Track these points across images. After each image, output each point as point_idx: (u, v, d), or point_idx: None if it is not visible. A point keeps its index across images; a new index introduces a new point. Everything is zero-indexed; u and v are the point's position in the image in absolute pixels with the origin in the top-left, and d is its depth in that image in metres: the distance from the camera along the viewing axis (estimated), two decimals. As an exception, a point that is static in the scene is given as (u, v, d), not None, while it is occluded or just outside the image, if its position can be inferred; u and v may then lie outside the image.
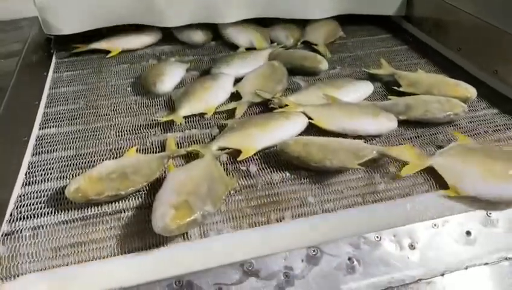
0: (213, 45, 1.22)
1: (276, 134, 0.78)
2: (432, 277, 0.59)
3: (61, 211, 0.67)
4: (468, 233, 0.64)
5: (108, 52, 1.14)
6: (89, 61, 1.13)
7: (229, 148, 0.77)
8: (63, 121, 0.88)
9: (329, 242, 0.61)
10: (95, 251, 0.62)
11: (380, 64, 1.04)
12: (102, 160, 0.78)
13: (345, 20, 1.34)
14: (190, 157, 0.78)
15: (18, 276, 0.58)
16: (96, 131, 0.85)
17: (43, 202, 0.69)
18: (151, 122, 0.88)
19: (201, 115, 0.88)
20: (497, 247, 0.63)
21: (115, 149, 0.81)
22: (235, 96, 0.94)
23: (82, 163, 0.77)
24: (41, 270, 0.59)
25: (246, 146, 0.75)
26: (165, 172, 0.73)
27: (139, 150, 0.80)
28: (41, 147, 0.81)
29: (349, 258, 0.60)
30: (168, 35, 1.23)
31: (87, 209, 0.68)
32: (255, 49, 1.15)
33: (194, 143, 0.82)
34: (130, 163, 0.71)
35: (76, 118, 0.89)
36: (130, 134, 0.85)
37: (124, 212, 0.67)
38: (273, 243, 0.62)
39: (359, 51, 1.17)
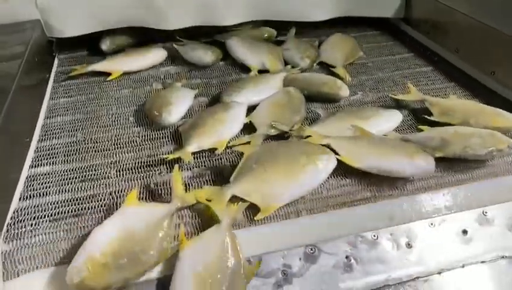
0: (222, 65, 1.13)
1: (304, 186, 0.68)
2: (428, 275, 0.60)
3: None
4: (465, 232, 0.65)
5: (108, 74, 1.05)
6: (88, 85, 1.04)
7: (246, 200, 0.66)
8: (58, 157, 0.79)
9: (327, 241, 0.62)
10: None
11: (408, 89, 0.95)
12: (102, 205, 0.69)
13: (362, 37, 1.27)
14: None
15: (19, 274, 0.58)
16: (95, 170, 0.76)
17: (33, 257, 0.60)
18: (156, 158, 0.79)
19: (212, 150, 0.79)
20: (493, 245, 0.63)
21: (115, 192, 0.71)
22: (249, 128, 0.85)
23: (78, 209, 0.68)
24: (42, 268, 0.59)
25: (266, 204, 0.65)
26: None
27: (142, 193, 0.71)
28: (32, 190, 0.72)
29: (347, 257, 0.61)
30: (173, 54, 1.15)
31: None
32: (267, 71, 1.06)
33: (204, 184, 0.73)
34: (137, 233, 0.58)
35: (72, 154, 0.80)
36: (132, 173, 0.76)
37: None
38: (271, 241, 0.62)
39: (380, 73, 1.08)
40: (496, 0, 0.95)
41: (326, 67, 1.09)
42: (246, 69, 1.09)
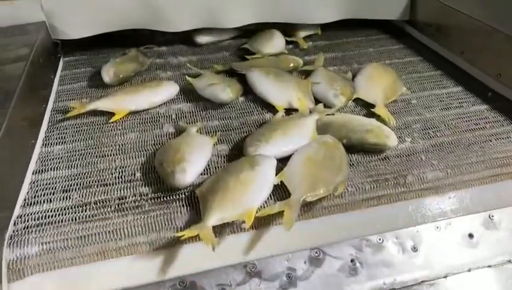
0: (241, 102, 0.97)
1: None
2: (434, 279, 0.59)
3: None
4: (471, 235, 0.64)
5: (112, 114, 0.90)
6: (88, 127, 0.89)
7: None
8: (46, 231, 0.63)
9: (332, 244, 0.61)
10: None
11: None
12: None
13: (401, 64, 1.12)
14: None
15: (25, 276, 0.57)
16: (92, 255, 0.61)
17: None
18: (168, 234, 0.64)
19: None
20: (500, 249, 0.63)
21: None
22: (278, 189, 0.70)
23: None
24: (47, 270, 0.58)
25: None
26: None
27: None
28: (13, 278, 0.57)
29: (352, 260, 0.60)
30: (186, 88, 1.01)
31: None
32: (295, 110, 0.91)
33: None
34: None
35: (65, 225, 0.65)
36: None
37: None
38: (276, 244, 0.62)
39: (428, 113, 0.92)
40: (501, 2, 0.94)
41: (362, 104, 0.94)
42: (269, 106, 0.94)
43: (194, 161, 0.72)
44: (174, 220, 0.66)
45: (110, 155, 0.81)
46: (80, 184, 0.73)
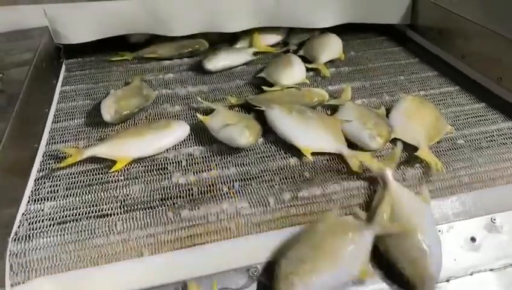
0: (261, 143, 0.85)
1: None
2: (436, 283, 0.58)
3: None
4: (473, 239, 0.64)
5: (112, 162, 0.78)
6: (83, 177, 0.76)
7: None
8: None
9: None
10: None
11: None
12: None
13: (438, 95, 0.99)
14: None
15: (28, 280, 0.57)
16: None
17: None
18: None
19: None
20: (502, 253, 0.63)
21: None
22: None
23: None
24: (49, 274, 0.58)
25: None
26: None
27: None
28: None
29: None
30: (198, 126, 0.89)
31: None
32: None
33: None
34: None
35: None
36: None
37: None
38: (278, 248, 0.61)
39: (480, 157, 0.78)
40: (503, 6, 0.93)
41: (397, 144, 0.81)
42: (293, 148, 0.81)
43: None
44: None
45: (110, 215, 0.68)
46: (71, 259, 0.60)
